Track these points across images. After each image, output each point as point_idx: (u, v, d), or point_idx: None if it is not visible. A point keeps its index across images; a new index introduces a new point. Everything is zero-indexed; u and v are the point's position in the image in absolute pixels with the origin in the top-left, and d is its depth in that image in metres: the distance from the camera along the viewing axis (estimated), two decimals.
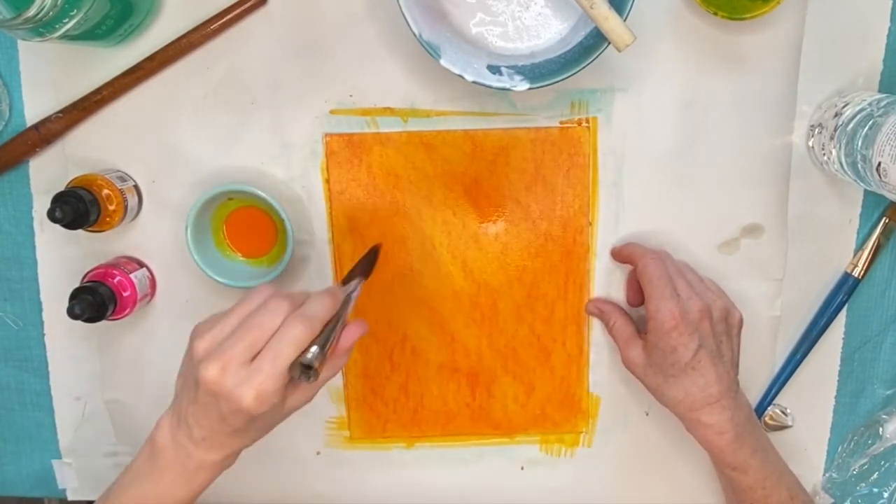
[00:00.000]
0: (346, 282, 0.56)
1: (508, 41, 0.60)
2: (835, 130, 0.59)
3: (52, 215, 0.58)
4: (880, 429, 0.69)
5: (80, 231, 0.62)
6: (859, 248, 0.66)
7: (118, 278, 0.63)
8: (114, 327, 0.68)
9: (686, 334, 0.58)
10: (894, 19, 0.62)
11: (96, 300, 0.61)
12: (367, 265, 0.60)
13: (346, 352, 0.51)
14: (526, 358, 0.69)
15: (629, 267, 0.66)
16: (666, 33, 0.62)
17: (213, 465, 0.51)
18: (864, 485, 0.71)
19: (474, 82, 0.58)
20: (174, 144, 0.65)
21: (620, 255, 0.65)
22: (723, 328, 0.61)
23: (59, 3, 0.50)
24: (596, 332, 0.68)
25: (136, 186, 0.65)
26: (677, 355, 0.58)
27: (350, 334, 0.51)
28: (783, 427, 0.70)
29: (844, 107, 0.59)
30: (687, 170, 0.65)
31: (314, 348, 0.48)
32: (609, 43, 0.56)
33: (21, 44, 0.64)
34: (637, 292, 0.65)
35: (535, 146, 0.65)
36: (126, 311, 0.64)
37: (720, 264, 0.66)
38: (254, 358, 0.47)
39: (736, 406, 0.59)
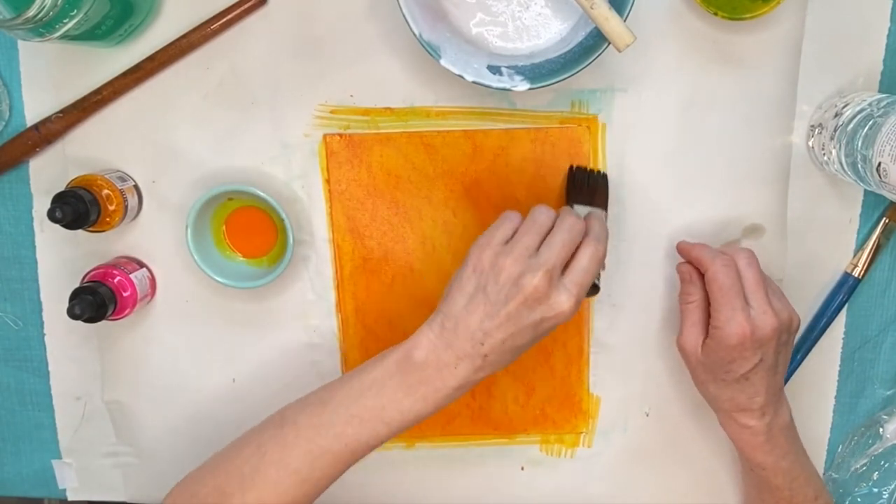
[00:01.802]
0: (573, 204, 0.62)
1: (508, 41, 0.60)
2: (835, 130, 0.59)
3: (52, 215, 0.58)
4: (880, 429, 0.69)
5: (80, 231, 0.62)
6: (859, 248, 0.66)
7: (118, 278, 0.63)
8: (114, 327, 0.68)
9: (750, 351, 0.56)
10: (894, 19, 0.62)
11: (96, 300, 0.61)
12: (604, 195, 0.63)
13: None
14: (526, 358, 0.69)
15: (671, 258, 0.66)
16: (666, 33, 0.62)
17: (465, 386, 0.54)
18: (864, 485, 0.71)
19: (474, 82, 0.58)
20: (174, 144, 0.65)
21: (689, 255, 0.61)
22: (786, 339, 0.59)
23: (59, 3, 0.50)
24: (596, 332, 0.68)
25: (136, 186, 0.65)
26: (735, 366, 0.57)
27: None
28: None
29: (844, 107, 0.59)
30: (687, 170, 0.65)
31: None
32: (609, 43, 0.56)
33: (21, 44, 0.64)
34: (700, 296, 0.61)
35: (535, 146, 0.65)
36: (126, 311, 0.64)
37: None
38: (564, 271, 0.53)
39: (776, 412, 0.59)
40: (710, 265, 0.58)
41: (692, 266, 0.61)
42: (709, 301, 0.59)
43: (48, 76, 0.64)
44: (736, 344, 0.56)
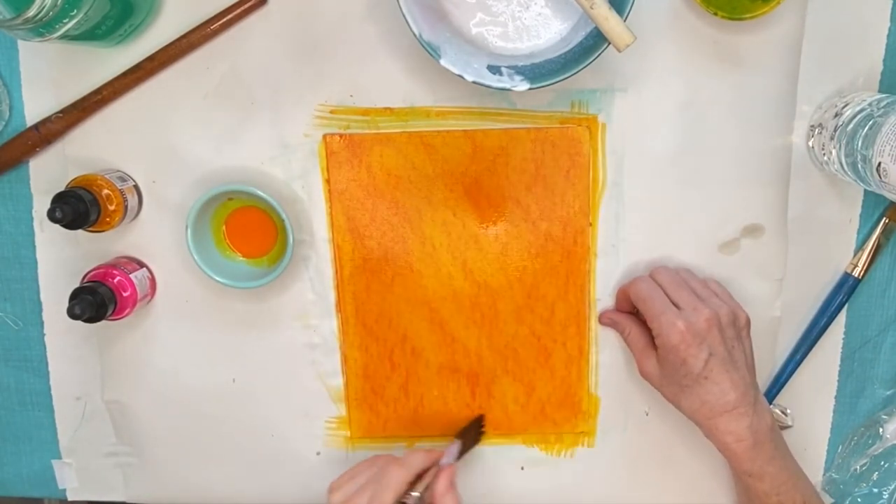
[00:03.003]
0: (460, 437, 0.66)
1: (508, 41, 0.60)
2: (835, 130, 0.59)
3: (52, 215, 0.58)
4: (880, 429, 0.69)
5: (80, 231, 0.62)
6: (859, 248, 0.66)
7: (118, 278, 0.63)
8: (114, 327, 0.68)
9: (694, 346, 0.58)
10: (894, 19, 0.62)
11: (96, 300, 0.61)
12: (473, 436, 0.67)
13: (444, 494, 0.59)
14: (526, 358, 0.69)
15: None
16: (666, 33, 0.62)
17: None
18: (864, 485, 0.71)
19: (474, 82, 0.58)
20: (174, 144, 0.65)
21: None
22: (733, 333, 0.60)
23: (59, 3, 0.50)
24: (596, 332, 0.68)
25: (136, 186, 0.65)
26: (688, 367, 0.58)
27: (441, 477, 0.60)
28: (783, 427, 0.70)
29: (844, 107, 0.59)
30: (687, 170, 0.65)
31: (413, 493, 0.58)
32: (609, 43, 0.56)
33: (21, 44, 0.64)
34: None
35: (535, 146, 0.65)
36: (126, 311, 0.64)
37: (721, 265, 0.66)
38: None
39: (755, 413, 0.59)
40: (630, 286, 0.63)
41: (609, 313, 0.67)
42: (644, 326, 0.63)
43: (48, 76, 0.64)
44: (678, 342, 0.58)
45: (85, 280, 0.64)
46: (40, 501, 0.91)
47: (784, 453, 0.61)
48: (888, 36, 0.62)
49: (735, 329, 0.60)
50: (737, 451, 0.59)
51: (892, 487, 0.70)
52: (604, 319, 0.67)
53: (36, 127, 0.64)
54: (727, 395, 0.58)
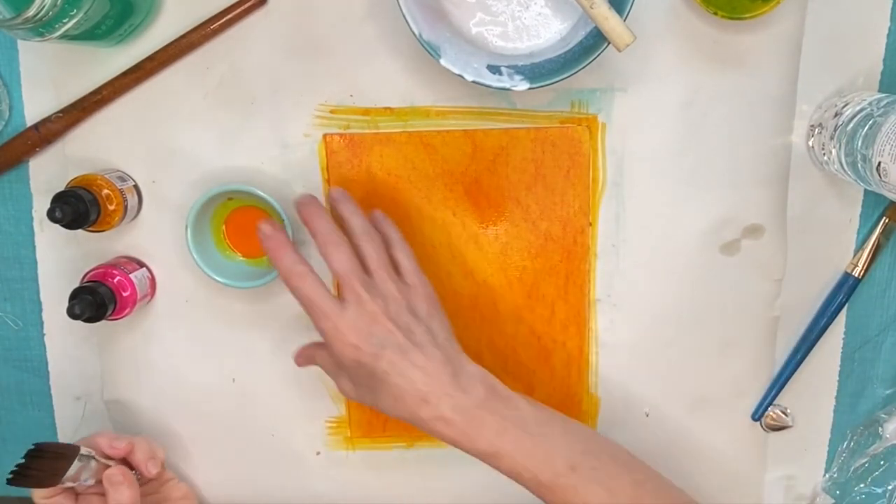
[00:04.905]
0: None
1: (508, 41, 0.60)
2: (835, 130, 0.59)
3: (52, 215, 0.58)
4: (880, 429, 0.69)
5: (80, 231, 0.62)
6: (859, 248, 0.66)
7: (118, 278, 0.63)
8: (114, 327, 0.68)
9: (363, 344, 0.53)
10: (894, 19, 0.62)
11: (96, 300, 0.61)
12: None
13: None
14: (526, 359, 0.69)
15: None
16: (666, 33, 0.62)
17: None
18: (863, 485, 0.71)
19: (474, 82, 0.58)
20: (174, 144, 0.65)
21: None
22: (409, 318, 0.55)
23: (59, 3, 0.50)
24: (596, 332, 0.68)
25: (136, 186, 0.65)
26: (365, 368, 0.54)
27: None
28: (783, 427, 0.70)
29: (844, 107, 0.59)
30: (687, 170, 0.65)
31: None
32: (609, 43, 0.56)
33: (21, 44, 0.64)
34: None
35: (535, 146, 0.65)
36: (126, 311, 0.64)
37: (721, 265, 0.66)
38: None
39: (458, 390, 0.54)
40: (289, 281, 0.55)
41: (302, 350, 0.63)
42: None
43: (48, 76, 0.64)
44: (342, 346, 0.54)
45: (85, 280, 0.64)
46: None
47: (525, 421, 0.55)
48: (888, 36, 0.62)
49: (410, 308, 0.56)
50: (453, 437, 0.54)
51: (891, 487, 0.70)
52: (299, 361, 0.63)
53: (36, 127, 0.64)
54: (416, 385, 0.53)
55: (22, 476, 0.57)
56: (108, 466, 0.60)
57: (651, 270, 0.66)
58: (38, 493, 0.59)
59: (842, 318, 0.68)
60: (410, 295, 0.57)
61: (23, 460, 0.58)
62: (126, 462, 0.63)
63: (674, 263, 0.66)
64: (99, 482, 0.60)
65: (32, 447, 0.59)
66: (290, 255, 0.55)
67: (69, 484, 0.58)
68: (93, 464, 0.60)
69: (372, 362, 0.54)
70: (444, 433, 0.54)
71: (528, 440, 0.54)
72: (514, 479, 0.55)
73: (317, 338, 0.68)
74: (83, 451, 0.59)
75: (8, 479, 0.57)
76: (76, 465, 0.58)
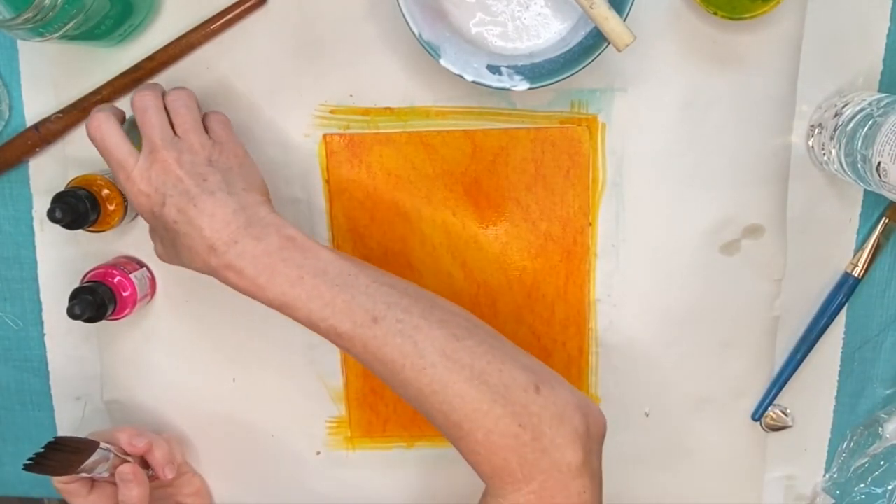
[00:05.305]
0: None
1: (508, 41, 0.60)
2: (835, 130, 0.59)
3: (52, 215, 0.58)
4: (880, 429, 0.69)
5: (80, 231, 0.62)
6: (859, 248, 0.66)
7: (118, 278, 0.63)
8: (114, 327, 0.68)
9: (152, 193, 0.52)
10: (894, 19, 0.62)
11: (96, 300, 0.61)
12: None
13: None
14: None
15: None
16: (666, 33, 0.62)
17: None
18: (863, 485, 0.71)
19: (474, 82, 0.58)
20: None
21: None
22: (205, 169, 0.54)
23: (59, 3, 0.50)
24: (596, 332, 0.68)
25: None
26: (160, 220, 0.53)
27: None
28: (783, 427, 0.70)
29: (844, 107, 0.59)
30: (687, 170, 0.65)
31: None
32: (609, 43, 0.56)
33: (21, 44, 0.64)
34: None
35: (535, 146, 0.65)
36: (126, 311, 0.64)
37: (721, 265, 0.66)
38: None
39: (247, 237, 0.52)
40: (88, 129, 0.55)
41: None
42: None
43: (48, 76, 0.64)
44: (135, 195, 0.53)
45: (85, 280, 0.64)
46: (40, 501, 0.91)
47: (325, 270, 0.52)
48: (888, 36, 0.62)
49: (210, 160, 0.54)
50: (245, 286, 0.52)
51: (891, 487, 0.70)
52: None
53: (36, 127, 0.64)
54: (203, 231, 0.52)
55: (37, 465, 0.58)
56: (125, 461, 0.61)
57: (651, 270, 0.66)
58: (56, 477, 0.61)
59: (842, 318, 0.68)
60: (214, 150, 0.55)
61: (42, 450, 0.59)
62: (144, 459, 0.63)
63: (674, 263, 0.66)
64: (114, 474, 0.61)
65: (52, 440, 0.60)
66: (97, 110, 0.55)
67: (84, 474, 0.59)
68: (111, 457, 0.61)
69: (160, 210, 0.52)
70: (237, 283, 0.52)
71: (327, 290, 0.52)
72: (313, 331, 0.53)
73: (316, 343, 0.68)
74: (102, 446, 0.60)
75: (24, 466, 0.58)
76: (93, 458, 0.59)
